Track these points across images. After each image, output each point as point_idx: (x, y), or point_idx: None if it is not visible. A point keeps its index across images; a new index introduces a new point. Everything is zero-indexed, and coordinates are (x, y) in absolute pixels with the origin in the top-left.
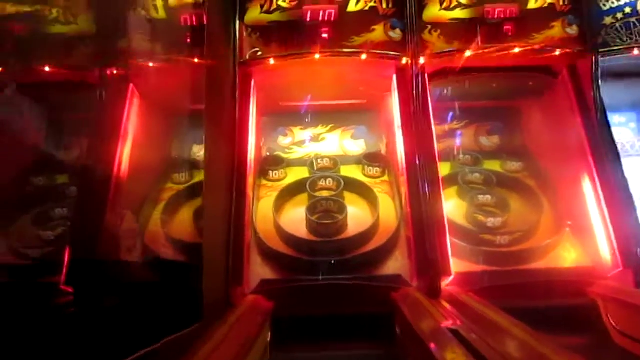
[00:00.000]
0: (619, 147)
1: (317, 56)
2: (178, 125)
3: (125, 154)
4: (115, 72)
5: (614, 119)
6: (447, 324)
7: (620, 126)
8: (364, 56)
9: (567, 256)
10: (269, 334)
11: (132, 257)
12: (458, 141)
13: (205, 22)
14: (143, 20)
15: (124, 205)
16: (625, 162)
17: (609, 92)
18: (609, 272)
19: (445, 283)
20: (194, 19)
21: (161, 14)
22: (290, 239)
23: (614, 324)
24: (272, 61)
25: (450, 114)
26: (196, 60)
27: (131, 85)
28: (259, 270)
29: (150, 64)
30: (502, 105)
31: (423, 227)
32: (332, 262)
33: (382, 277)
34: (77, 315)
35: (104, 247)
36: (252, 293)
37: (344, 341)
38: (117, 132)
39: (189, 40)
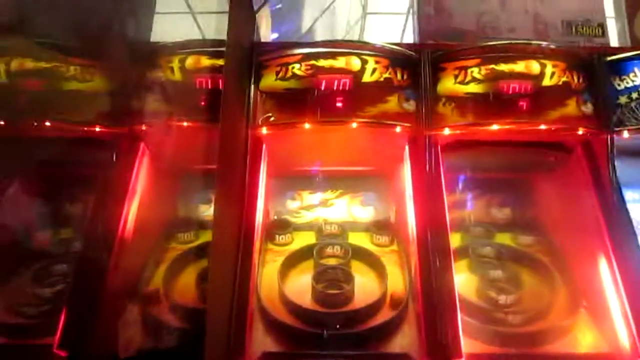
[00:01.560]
0: (635, 224)
1: (330, 125)
2: (185, 184)
3: (131, 213)
4: (127, 130)
5: (628, 195)
6: None
7: (635, 203)
8: (377, 127)
9: (583, 339)
10: None
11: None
12: (469, 212)
13: (221, 86)
14: (159, 81)
15: (128, 264)
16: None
17: (624, 168)
18: (628, 359)
19: None
20: (209, 82)
21: (177, 75)
22: (294, 308)
23: None
24: (284, 127)
25: (462, 184)
26: (209, 123)
27: (142, 144)
28: (261, 341)
29: (163, 124)
30: (514, 178)
31: (433, 303)
32: (337, 337)
33: (390, 355)
34: None
35: (104, 310)
36: None
37: None
38: (125, 190)
39: (203, 103)
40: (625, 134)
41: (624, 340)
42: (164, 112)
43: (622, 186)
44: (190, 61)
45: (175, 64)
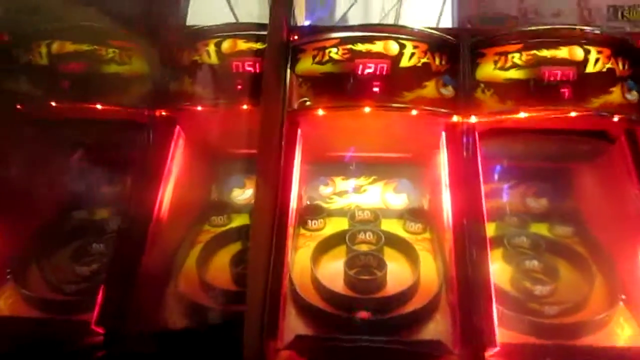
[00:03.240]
0: None
1: (366, 109)
2: (220, 168)
3: (167, 194)
4: (163, 113)
5: None
6: None
7: None
8: (414, 112)
9: (621, 333)
10: None
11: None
12: (505, 201)
13: (259, 70)
14: (195, 65)
15: (162, 245)
16: None
17: None
18: None
19: (489, 354)
20: (245, 65)
21: (213, 59)
22: (327, 293)
23: None
24: (320, 112)
25: (498, 172)
26: (246, 106)
27: (178, 127)
28: (294, 325)
29: (199, 108)
30: (552, 167)
31: (469, 292)
32: (370, 320)
33: (422, 342)
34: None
35: (140, 289)
36: (286, 348)
37: None
38: (160, 172)
39: (239, 87)
40: None
41: None
42: (200, 95)
43: None
44: (226, 45)
45: (212, 47)
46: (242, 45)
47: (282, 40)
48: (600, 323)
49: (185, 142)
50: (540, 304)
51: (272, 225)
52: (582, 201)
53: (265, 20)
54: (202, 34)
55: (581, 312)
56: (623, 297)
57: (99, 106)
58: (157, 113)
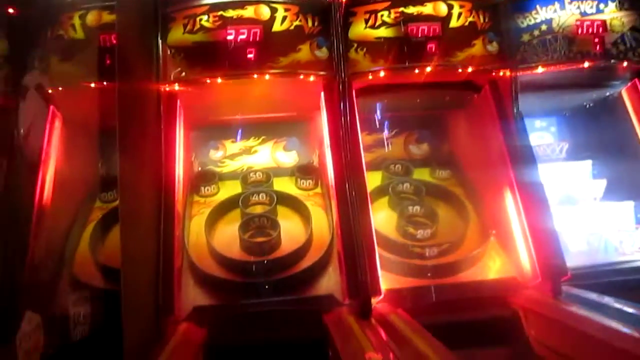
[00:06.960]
0: (541, 152)
1: (242, 79)
2: (104, 143)
3: (47, 179)
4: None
5: (536, 123)
6: (372, 355)
7: (542, 130)
8: (290, 77)
9: (492, 265)
10: None
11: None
12: (389, 150)
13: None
14: (62, 40)
15: (51, 230)
16: (546, 167)
17: (530, 100)
18: (530, 282)
19: (376, 301)
20: (112, 39)
21: (79, 34)
22: (223, 260)
23: (533, 335)
24: (196, 82)
25: (380, 124)
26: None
27: (52, 107)
28: (192, 295)
29: (70, 86)
30: (429, 114)
31: (352, 244)
32: (265, 285)
33: (315, 298)
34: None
35: (31, 278)
36: (185, 320)
37: None
38: (38, 155)
39: (108, 62)
40: (528, 72)
41: (527, 264)
42: (70, 72)
43: (529, 116)
44: (91, 17)
45: (77, 20)
46: (107, 17)
47: (139, 8)
48: (475, 258)
49: (63, 122)
50: (422, 247)
51: (154, 199)
52: (457, 145)
53: None
54: (66, 6)
55: (458, 251)
56: (494, 232)
57: None
58: (26, 95)
